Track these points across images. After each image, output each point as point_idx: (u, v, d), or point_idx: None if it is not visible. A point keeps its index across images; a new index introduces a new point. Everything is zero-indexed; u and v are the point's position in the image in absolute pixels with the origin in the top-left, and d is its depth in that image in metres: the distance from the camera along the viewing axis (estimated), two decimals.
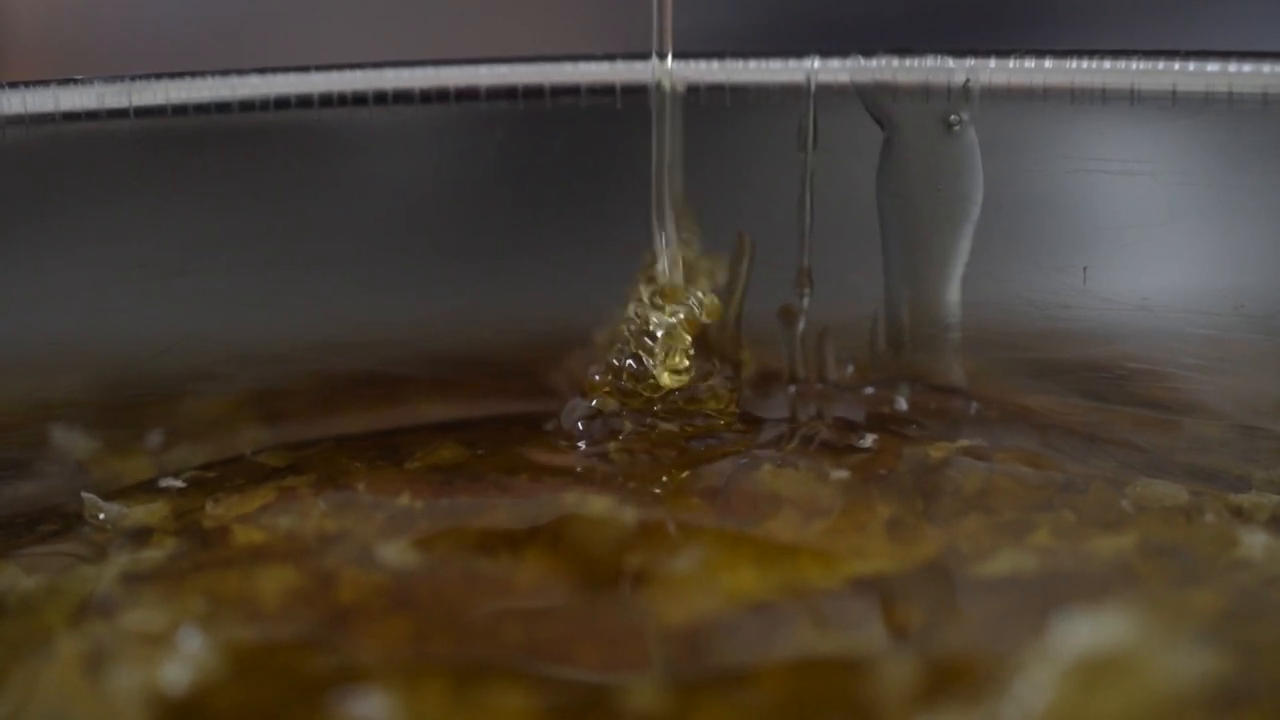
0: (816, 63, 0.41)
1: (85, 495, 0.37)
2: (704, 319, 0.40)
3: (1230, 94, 0.38)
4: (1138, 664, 0.29)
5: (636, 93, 0.40)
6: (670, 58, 0.39)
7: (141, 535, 0.36)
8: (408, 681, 0.30)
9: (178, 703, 0.30)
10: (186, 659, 0.31)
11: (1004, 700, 0.29)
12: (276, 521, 0.36)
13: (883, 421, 0.40)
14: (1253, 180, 0.39)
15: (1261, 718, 0.28)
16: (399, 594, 0.33)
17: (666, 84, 0.39)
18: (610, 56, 0.41)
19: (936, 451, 0.38)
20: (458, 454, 0.39)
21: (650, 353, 0.39)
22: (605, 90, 0.41)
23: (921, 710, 0.29)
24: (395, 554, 0.35)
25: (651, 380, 0.39)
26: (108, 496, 0.38)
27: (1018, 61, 0.40)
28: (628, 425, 0.39)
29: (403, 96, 0.41)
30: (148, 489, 0.38)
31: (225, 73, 0.40)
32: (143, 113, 0.39)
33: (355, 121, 0.41)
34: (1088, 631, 0.30)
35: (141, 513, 0.37)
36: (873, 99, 0.41)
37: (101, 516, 0.37)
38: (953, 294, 0.41)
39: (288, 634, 0.32)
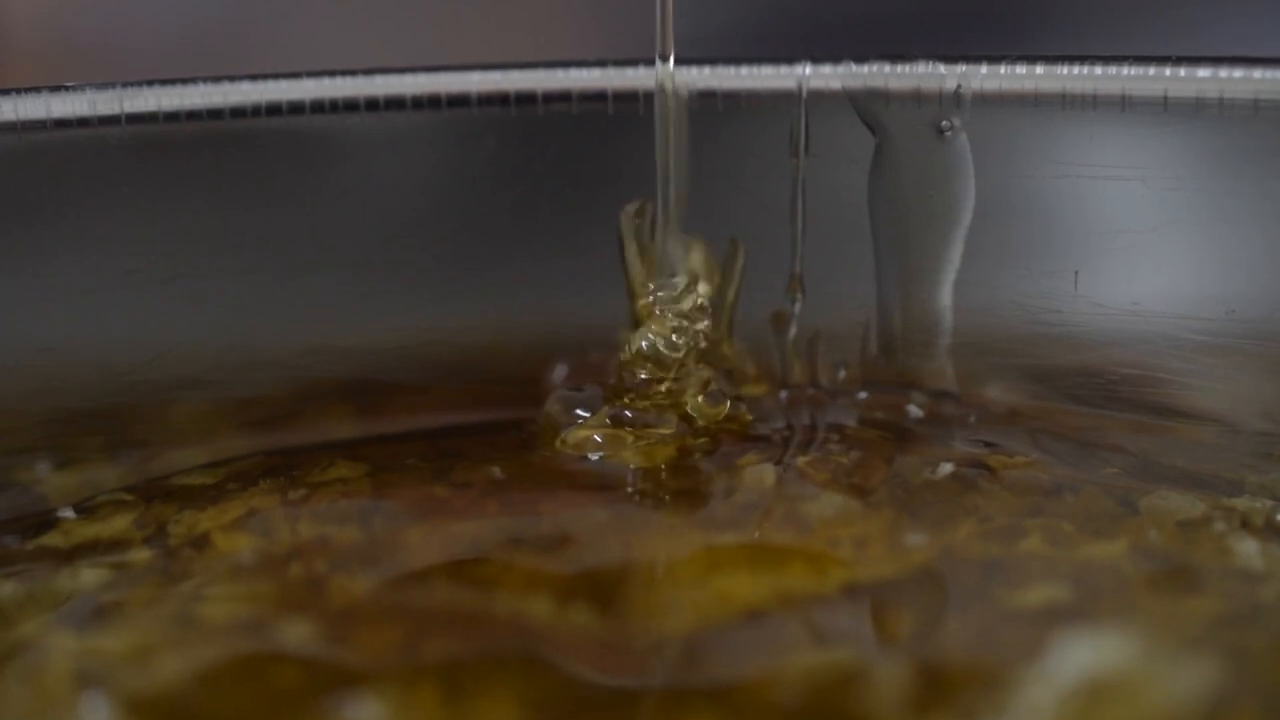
0: (808, 68, 0.41)
1: (59, 503, 0.37)
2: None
3: (1221, 100, 0.38)
4: (1130, 671, 0.29)
5: (628, 99, 0.40)
6: (672, 61, 0.39)
7: (115, 545, 0.36)
8: (398, 689, 0.30)
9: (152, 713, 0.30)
10: (156, 672, 0.31)
11: (998, 709, 0.29)
12: (259, 530, 0.36)
13: (874, 426, 0.40)
14: (1244, 186, 0.39)
15: None
16: (383, 603, 0.33)
17: (669, 87, 0.39)
18: (602, 63, 0.41)
19: (928, 456, 0.38)
20: (450, 460, 0.39)
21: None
22: (597, 96, 0.41)
23: (913, 719, 0.29)
24: (382, 564, 0.35)
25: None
26: (81, 504, 0.37)
27: (1009, 67, 0.40)
28: (623, 430, 0.39)
29: (394, 103, 0.41)
30: (124, 496, 0.38)
31: (217, 79, 0.40)
32: (135, 119, 0.39)
33: (347, 128, 0.41)
34: (1081, 639, 0.30)
35: (115, 522, 0.37)
36: (864, 105, 0.41)
37: (72, 524, 0.37)
38: (944, 299, 0.41)
39: (269, 643, 0.32)
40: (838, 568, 0.34)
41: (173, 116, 0.40)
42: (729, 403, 0.39)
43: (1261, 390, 0.39)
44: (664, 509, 0.37)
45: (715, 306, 0.41)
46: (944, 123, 0.40)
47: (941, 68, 0.40)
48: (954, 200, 0.41)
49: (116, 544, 0.36)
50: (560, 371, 0.41)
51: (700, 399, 0.39)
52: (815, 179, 0.41)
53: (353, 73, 0.41)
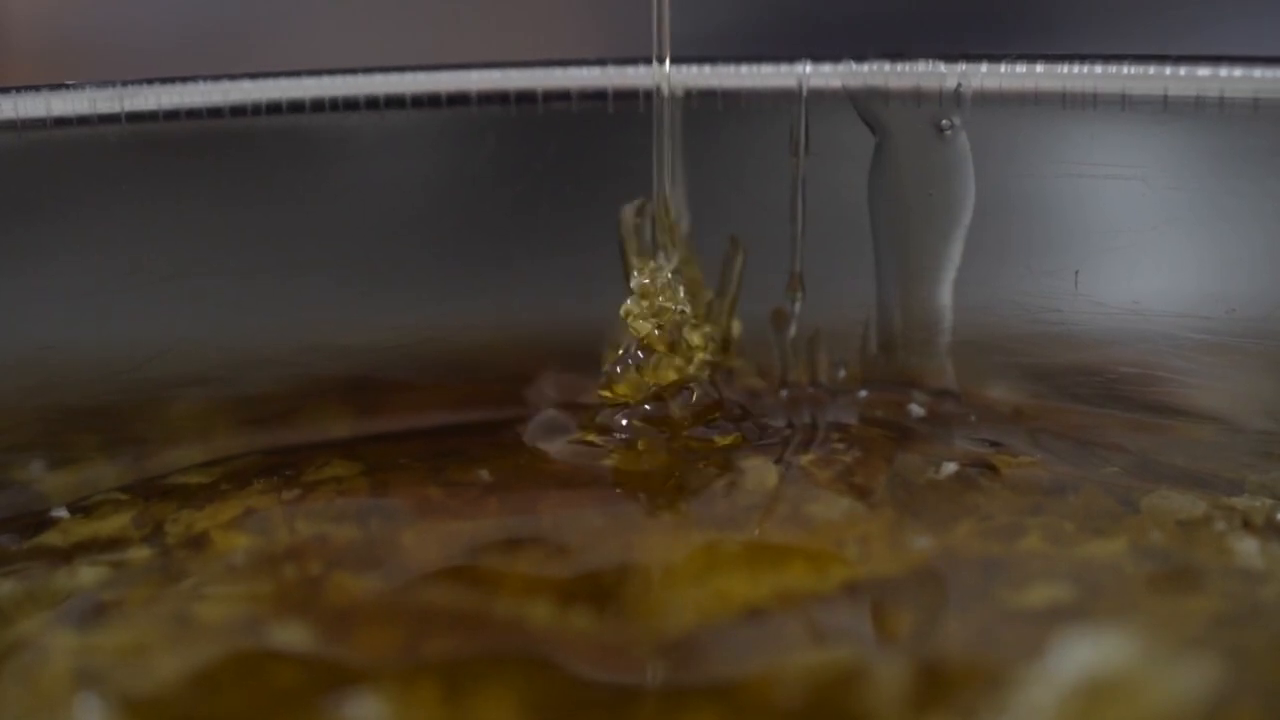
0: (808, 67, 0.41)
1: (57, 502, 0.37)
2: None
3: (1221, 99, 0.38)
4: (1130, 671, 0.29)
5: (628, 98, 0.40)
6: (669, 62, 0.39)
7: (113, 544, 0.36)
8: (397, 687, 0.30)
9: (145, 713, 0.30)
10: (154, 671, 0.31)
11: (998, 708, 0.29)
12: (257, 529, 0.36)
13: (874, 425, 0.40)
14: (1244, 185, 0.39)
15: None
16: (381, 602, 0.33)
17: (665, 88, 0.39)
18: (602, 61, 0.41)
19: (929, 455, 0.38)
20: (447, 459, 0.39)
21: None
22: (597, 95, 0.41)
23: (914, 718, 0.29)
24: (379, 563, 0.35)
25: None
26: (78, 503, 0.37)
27: (1009, 66, 0.40)
28: (622, 428, 0.39)
29: (394, 101, 0.41)
30: (121, 495, 0.38)
31: (217, 78, 0.40)
32: (134, 118, 0.39)
33: (347, 126, 0.41)
34: (1082, 638, 0.30)
35: (112, 521, 0.37)
36: (864, 104, 0.41)
37: (70, 522, 0.37)
38: (945, 298, 0.41)
39: (267, 642, 0.32)
40: (838, 566, 0.34)
41: (173, 115, 0.40)
42: (737, 434, 0.39)
43: (1262, 389, 0.39)
44: (665, 507, 0.37)
45: (715, 307, 0.41)
46: (944, 121, 0.40)
47: (942, 66, 0.40)
48: (954, 199, 0.41)
49: (114, 543, 0.36)
50: (549, 388, 0.41)
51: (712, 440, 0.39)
52: (815, 178, 0.41)
53: (352, 71, 0.41)
